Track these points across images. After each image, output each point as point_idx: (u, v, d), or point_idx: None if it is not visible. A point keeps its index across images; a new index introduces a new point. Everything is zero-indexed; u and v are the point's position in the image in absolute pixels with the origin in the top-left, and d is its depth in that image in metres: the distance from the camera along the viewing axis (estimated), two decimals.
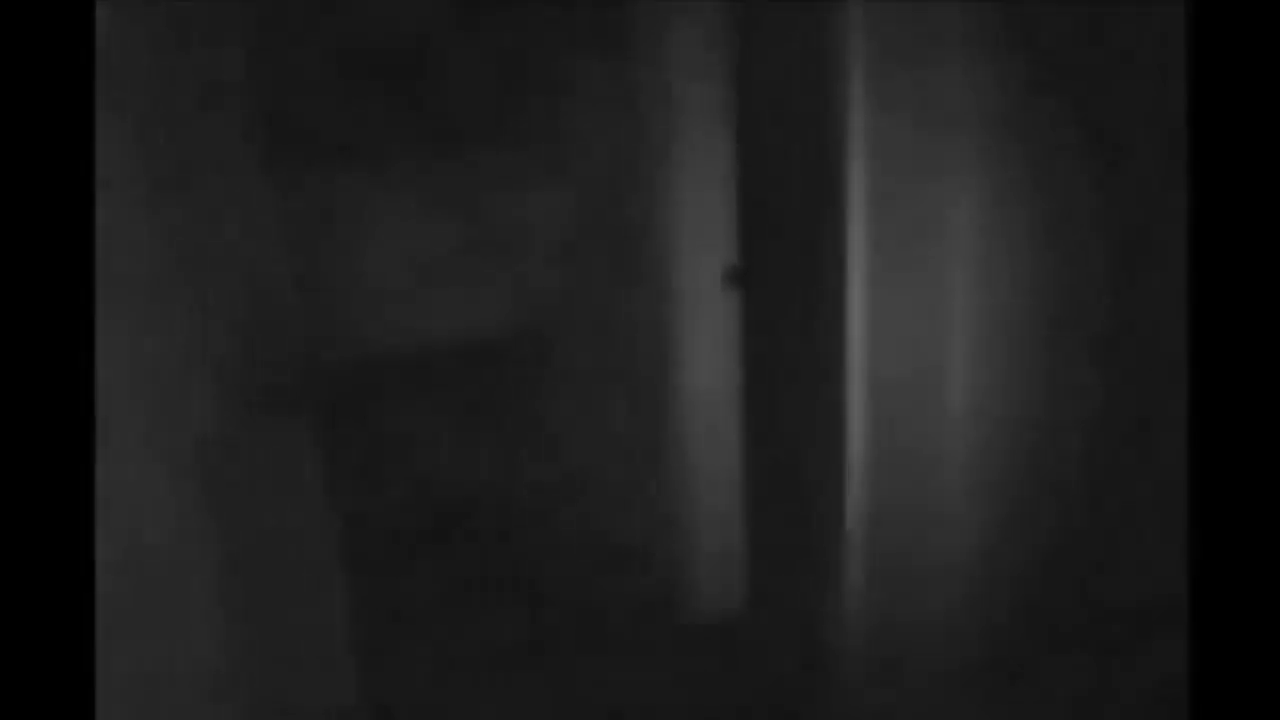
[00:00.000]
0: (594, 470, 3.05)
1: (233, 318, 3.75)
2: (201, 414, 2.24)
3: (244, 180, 3.52)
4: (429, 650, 2.51)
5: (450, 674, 2.42)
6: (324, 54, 3.72)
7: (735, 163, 2.21)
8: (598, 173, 2.68)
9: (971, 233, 1.73)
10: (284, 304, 3.86)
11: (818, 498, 2.21)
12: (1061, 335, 1.70)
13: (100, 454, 1.03)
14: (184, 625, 1.55)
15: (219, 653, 1.73)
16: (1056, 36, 1.58)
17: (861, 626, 2.09)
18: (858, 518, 2.00)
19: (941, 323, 1.86)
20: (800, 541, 2.37)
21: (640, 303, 2.50)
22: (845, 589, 2.07)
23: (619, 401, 2.84)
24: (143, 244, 1.38)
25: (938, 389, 1.91)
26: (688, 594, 2.51)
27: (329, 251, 4.16)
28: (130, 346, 1.29)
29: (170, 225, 1.59)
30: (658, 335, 2.40)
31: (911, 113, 1.75)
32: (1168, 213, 1.70)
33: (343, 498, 3.27)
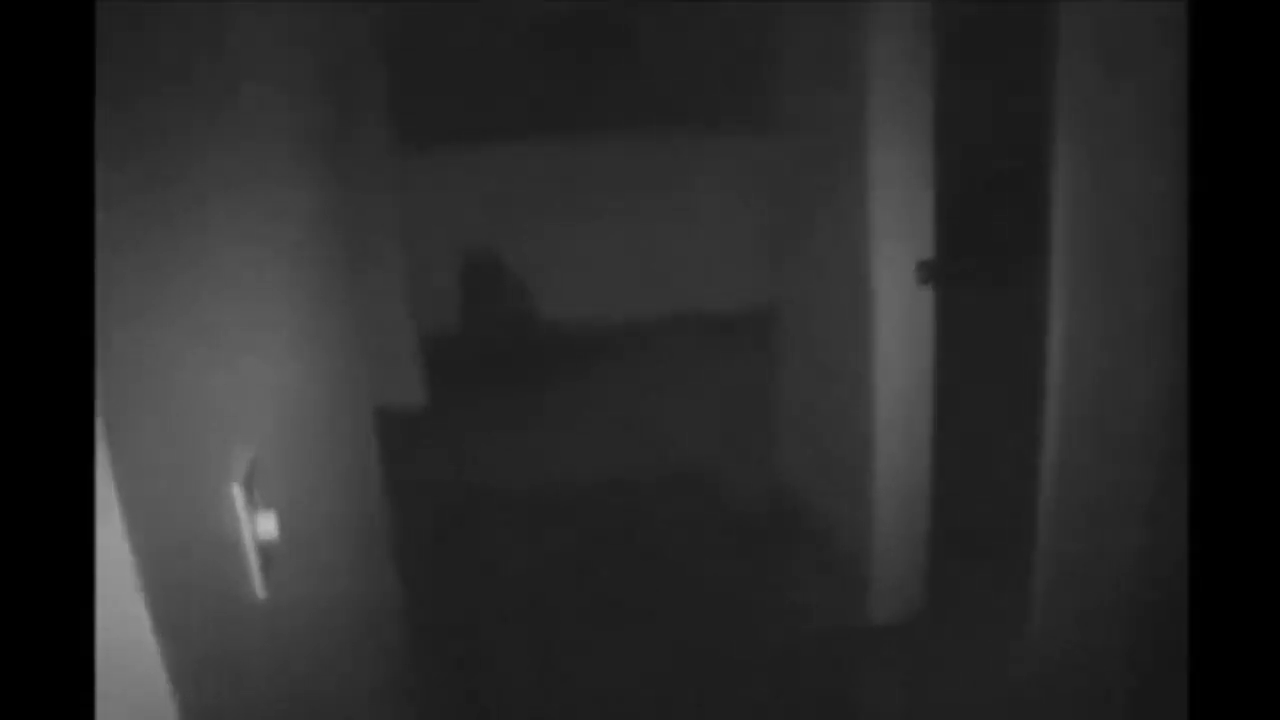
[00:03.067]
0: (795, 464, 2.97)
1: (439, 292, 3.74)
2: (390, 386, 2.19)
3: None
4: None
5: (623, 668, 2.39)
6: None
7: (934, 162, 2.15)
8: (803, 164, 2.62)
9: (1166, 229, 1.67)
10: (490, 279, 3.88)
11: (1006, 498, 2.14)
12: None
13: (285, 416, 1.04)
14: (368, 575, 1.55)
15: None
16: None
17: (1042, 627, 2.03)
18: (1048, 517, 1.94)
19: (1139, 322, 1.80)
20: (987, 540, 2.30)
21: (839, 297, 2.44)
22: (1032, 589, 2.01)
23: (817, 394, 2.75)
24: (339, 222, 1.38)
25: (1131, 389, 1.83)
26: (873, 592, 2.48)
27: (535, 229, 4.11)
28: (318, 325, 1.30)
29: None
30: (856, 329, 2.35)
31: (1114, 112, 1.70)
32: None
33: (545, 467, 3.18)
